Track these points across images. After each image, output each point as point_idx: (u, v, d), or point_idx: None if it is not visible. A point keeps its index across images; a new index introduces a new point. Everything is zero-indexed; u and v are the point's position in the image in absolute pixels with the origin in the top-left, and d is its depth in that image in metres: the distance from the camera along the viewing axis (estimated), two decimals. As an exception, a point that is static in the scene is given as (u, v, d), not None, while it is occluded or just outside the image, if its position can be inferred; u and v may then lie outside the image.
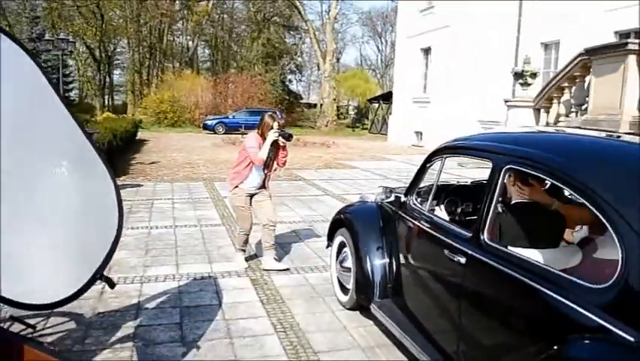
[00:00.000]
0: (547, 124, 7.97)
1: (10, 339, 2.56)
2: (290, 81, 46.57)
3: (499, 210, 2.68)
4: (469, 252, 2.62)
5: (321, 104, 38.20)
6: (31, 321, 3.34)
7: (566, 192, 2.91)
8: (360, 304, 3.99)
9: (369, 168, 14.91)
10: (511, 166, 2.56)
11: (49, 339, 3.47)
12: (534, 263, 2.34)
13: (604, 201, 2.06)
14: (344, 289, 4.29)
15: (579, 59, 6.98)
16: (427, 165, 3.41)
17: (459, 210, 3.49)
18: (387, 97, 33.92)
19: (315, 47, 37.60)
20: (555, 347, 2.12)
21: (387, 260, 3.78)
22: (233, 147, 20.05)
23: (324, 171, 13.85)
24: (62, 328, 3.68)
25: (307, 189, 10.60)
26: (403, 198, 3.56)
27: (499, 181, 2.58)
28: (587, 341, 2.05)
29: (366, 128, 37.14)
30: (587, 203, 2.13)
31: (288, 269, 5.15)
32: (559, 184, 2.36)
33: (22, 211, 2.23)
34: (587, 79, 7.08)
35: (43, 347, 3.00)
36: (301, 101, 47.96)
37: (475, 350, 2.70)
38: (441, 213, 3.28)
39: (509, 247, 2.51)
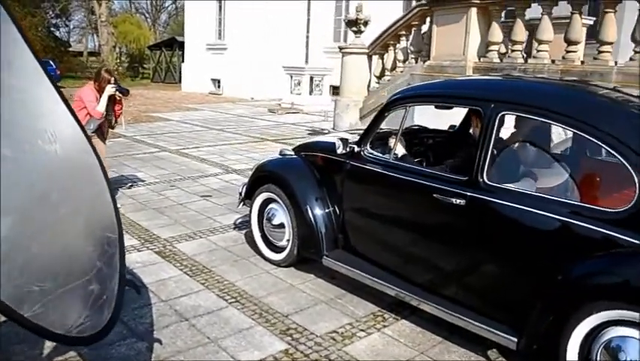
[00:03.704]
0: (384, 69, 8.57)
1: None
2: (56, 26, 40.59)
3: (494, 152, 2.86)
4: (470, 194, 2.76)
5: (99, 52, 34.35)
6: None
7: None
8: (305, 259, 3.89)
9: (183, 120, 14.20)
10: (506, 112, 2.75)
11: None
12: (536, 195, 2.62)
13: (614, 138, 2.39)
14: (273, 248, 4.13)
15: (418, 9, 7.61)
16: (385, 115, 3.40)
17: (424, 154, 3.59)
18: (169, 44, 32.00)
19: (86, -14, 33.18)
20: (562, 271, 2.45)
21: (331, 210, 3.73)
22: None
23: (139, 126, 12.71)
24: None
25: (137, 147, 9.66)
26: (356, 148, 3.51)
27: (495, 127, 2.75)
28: (589, 260, 2.42)
29: (146, 77, 34.71)
30: (596, 141, 2.45)
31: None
32: (564, 127, 2.63)
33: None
34: (424, 27, 7.77)
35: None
36: (69, 49, 42.39)
37: (470, 282, 2.91)
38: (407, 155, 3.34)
39: (505, 184, 2.74)
